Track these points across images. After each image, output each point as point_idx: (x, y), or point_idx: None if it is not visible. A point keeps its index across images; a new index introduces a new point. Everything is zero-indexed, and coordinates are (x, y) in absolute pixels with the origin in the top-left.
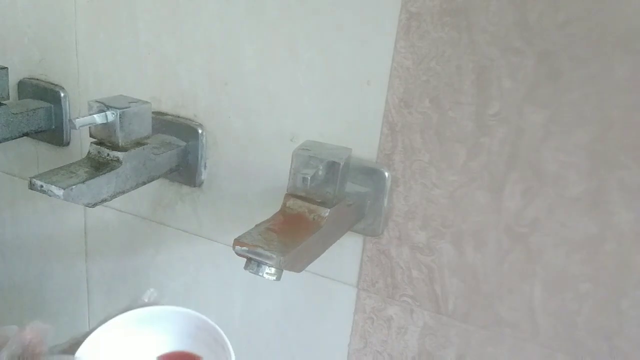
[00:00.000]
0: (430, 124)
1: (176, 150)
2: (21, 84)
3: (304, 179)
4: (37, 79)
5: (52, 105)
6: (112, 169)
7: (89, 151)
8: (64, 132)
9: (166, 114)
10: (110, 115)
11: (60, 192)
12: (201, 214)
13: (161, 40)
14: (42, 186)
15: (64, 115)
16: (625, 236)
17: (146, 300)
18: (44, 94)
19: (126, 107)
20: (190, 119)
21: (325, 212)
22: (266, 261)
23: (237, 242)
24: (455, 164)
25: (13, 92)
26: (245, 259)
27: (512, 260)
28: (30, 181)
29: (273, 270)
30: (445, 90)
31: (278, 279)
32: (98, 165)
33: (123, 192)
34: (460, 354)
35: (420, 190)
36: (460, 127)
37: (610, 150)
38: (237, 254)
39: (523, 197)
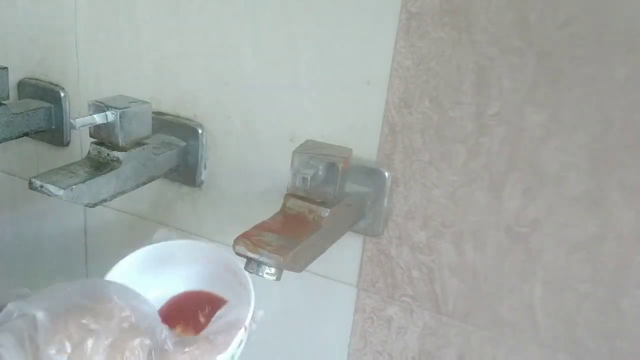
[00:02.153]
0: (430, 124)
1: (176, 150)
2: (21, 84)
3: (304, 179)
4: (37, 79)
5: (52, 105)
6: (112, 169)
7: (89, 151)
8: (64, 132)
9: (166, 114)
10: (110, 115)
11: (60, 192)
12: (201, 214)
13: (161, 40)
14: (42, 186)
15: (64, 115)
16: (625, 236)
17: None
18: (44, 94)
19: (126, 107)
20: (190, 119)
21: (325, 212)
22: (266, 261)
23: (238, 242)
24: (455, 164)
25: (13, 92)
26: (245, 259)
27: (512, 260)
28: (30, 181)
29: (273, 270)
30: (445, 90)
31: (278, 279)
32: (98, 165)
33: (123, 192)
34: (460, 354)
35: (420, 190)
36: (460, 127)
37: (610, 150)
38: (237, 253)
39: (523, 197)
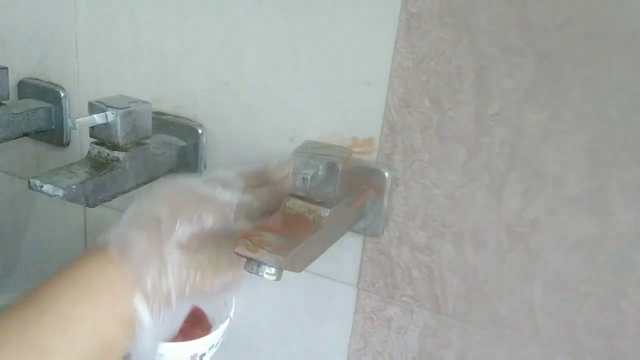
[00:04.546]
0: (430, 124)
1: (176, 150)
2: (21, 84)
3: (304, 179)
4: (37, 79)
5: (52, 105)
6: (112, 169)
7: (88, 151)
8: (64, 132)
9: (166, 114)
10: (110, 115)
11: (60, 192)
12: None
13: (161, 40)
14: (42, 186)
15: (64, 115)
16: (625, 236)
17: None
18: (44, 94)
19: (126, 107)
20: (190, 119)
21: (325, 212)
22: (266, 261)
23: (237, 242)
24: (455, 164)
25: (13, 92)
26: (244, 259)
27: (512, 260)
28: (30, 181)
29: (273, 270)
30: (445, 90)
31: (278, 279)
32: (98, 165)
33: (123, 192)
34: (460, 354)
35: (420, 190)
36: (460, 127)
37: (610, 150)
38: (236, 253)
39: (523, 197)
